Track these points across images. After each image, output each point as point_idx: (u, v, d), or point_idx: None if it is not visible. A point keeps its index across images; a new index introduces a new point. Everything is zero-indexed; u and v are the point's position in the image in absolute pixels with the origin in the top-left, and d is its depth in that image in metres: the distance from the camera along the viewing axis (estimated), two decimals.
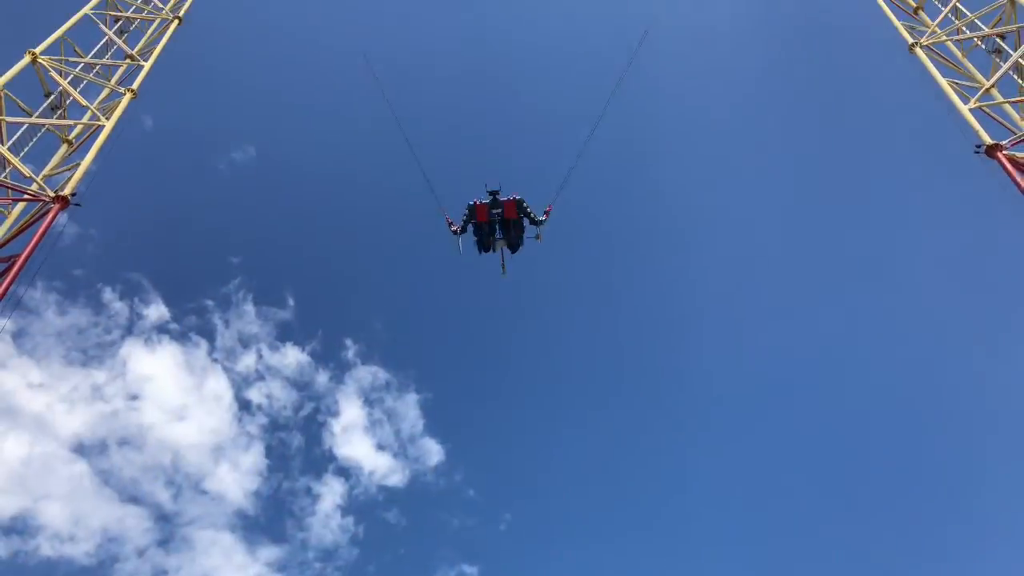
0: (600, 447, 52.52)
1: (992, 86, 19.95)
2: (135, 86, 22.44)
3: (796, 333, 54.17)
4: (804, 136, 58.69)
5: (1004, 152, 17.65)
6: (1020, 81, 19.44)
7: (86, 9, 23.10)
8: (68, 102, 21.68)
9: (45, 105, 21.34)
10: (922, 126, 46.14)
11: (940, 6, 22.84)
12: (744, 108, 60.05)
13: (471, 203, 19.96)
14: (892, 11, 23.88)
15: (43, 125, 20.73)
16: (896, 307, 52.00)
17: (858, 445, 50.37)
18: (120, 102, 21.93)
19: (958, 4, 22.24)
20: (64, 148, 21.24)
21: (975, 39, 21.37)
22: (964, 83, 20.69)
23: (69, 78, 21.69)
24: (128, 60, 23.71)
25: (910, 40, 22.20)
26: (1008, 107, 19.55)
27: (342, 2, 63.42)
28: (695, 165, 59.81)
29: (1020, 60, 19.53)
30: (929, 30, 22.50)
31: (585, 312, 57.96)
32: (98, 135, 20.83)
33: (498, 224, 19.99)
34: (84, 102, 21.48)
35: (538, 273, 56.76)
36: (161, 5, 25.72)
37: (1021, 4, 19.97)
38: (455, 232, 20.18)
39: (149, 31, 24.90)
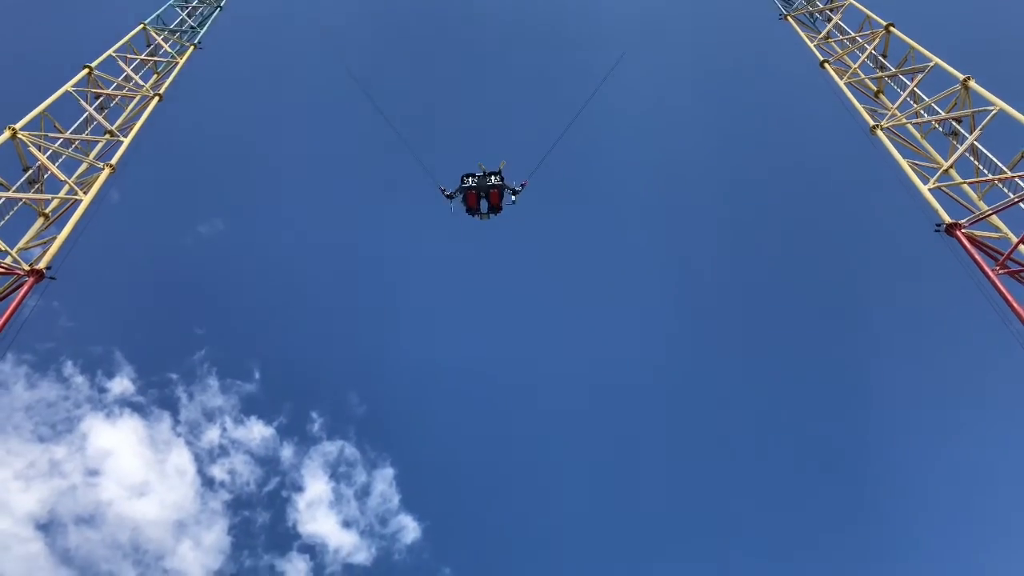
0: (593, 522, 51.49)
1: (950, 167, 20.65)
2: (114, 161, 22.64)
3: None
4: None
5: (963, 231, 18.18)
6: (976, 162, 20.14)
7: (68, 86, 23.47)
8: (46, 176, 21.85)
9: (23, 179, 21.47)
10: (888, 204, 47.44)
11: (899, 90, 23.77)
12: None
13: (465, 181, 24.75)
14: (854, 95, 24.82)
15: (20, 199, 20.82)
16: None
17: None
18: (98, 176, 22.10)
19: (916, 89, 23.17)
20: (40, 222, 21.27)
21: (933, 122, 22.18)
22: (924, 164, 21.40)
23: (48, 153, 21.91)
24: (108, 136, 24.00)
25: (871, 123, 22.99)
26: (966, 187, 20.20)
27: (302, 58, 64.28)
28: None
29: (975, 143, 20.26)
30: (889, 113, 23.35)
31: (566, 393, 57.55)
32: (75, 209, 20.91)
33: (486, 200, 25.14)
34: (62, 176, 21.62)
35: (516, 349, 56.87)
36: (142, 83, 26.14)
37: (975, 90, 20.80)
38: (448, 196, 25.00)
39: (129, 107, 25.24)
